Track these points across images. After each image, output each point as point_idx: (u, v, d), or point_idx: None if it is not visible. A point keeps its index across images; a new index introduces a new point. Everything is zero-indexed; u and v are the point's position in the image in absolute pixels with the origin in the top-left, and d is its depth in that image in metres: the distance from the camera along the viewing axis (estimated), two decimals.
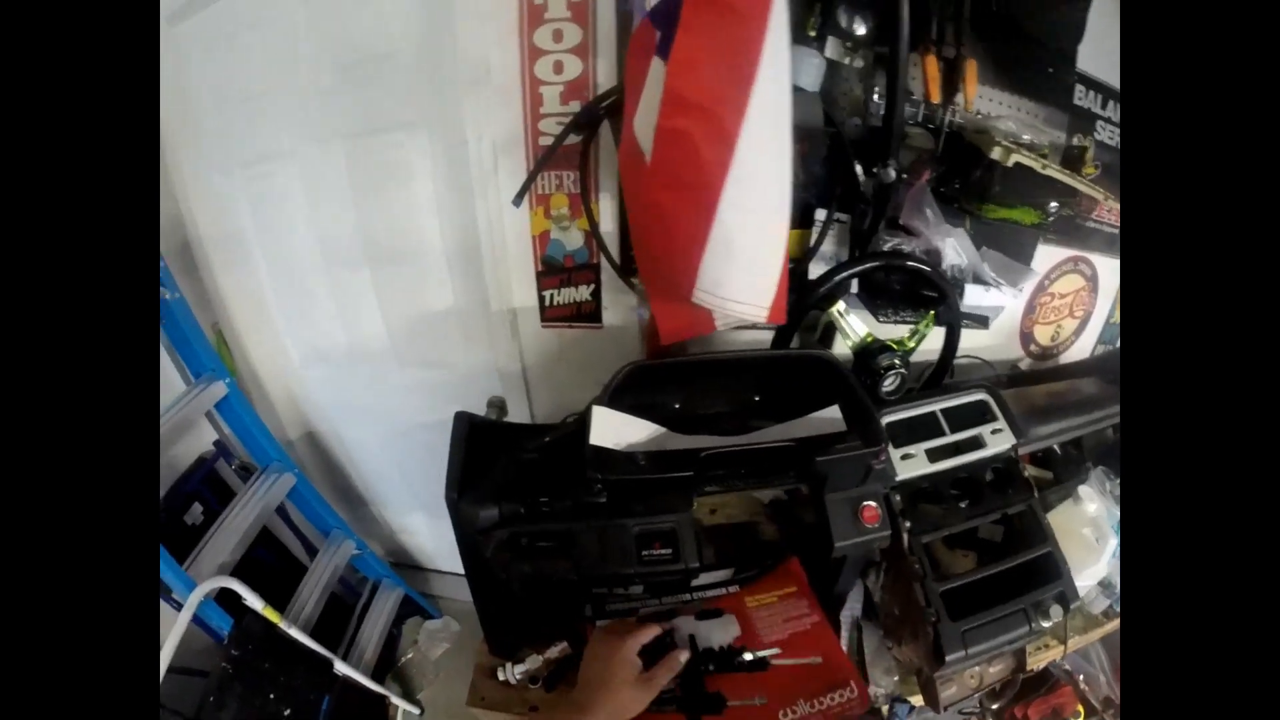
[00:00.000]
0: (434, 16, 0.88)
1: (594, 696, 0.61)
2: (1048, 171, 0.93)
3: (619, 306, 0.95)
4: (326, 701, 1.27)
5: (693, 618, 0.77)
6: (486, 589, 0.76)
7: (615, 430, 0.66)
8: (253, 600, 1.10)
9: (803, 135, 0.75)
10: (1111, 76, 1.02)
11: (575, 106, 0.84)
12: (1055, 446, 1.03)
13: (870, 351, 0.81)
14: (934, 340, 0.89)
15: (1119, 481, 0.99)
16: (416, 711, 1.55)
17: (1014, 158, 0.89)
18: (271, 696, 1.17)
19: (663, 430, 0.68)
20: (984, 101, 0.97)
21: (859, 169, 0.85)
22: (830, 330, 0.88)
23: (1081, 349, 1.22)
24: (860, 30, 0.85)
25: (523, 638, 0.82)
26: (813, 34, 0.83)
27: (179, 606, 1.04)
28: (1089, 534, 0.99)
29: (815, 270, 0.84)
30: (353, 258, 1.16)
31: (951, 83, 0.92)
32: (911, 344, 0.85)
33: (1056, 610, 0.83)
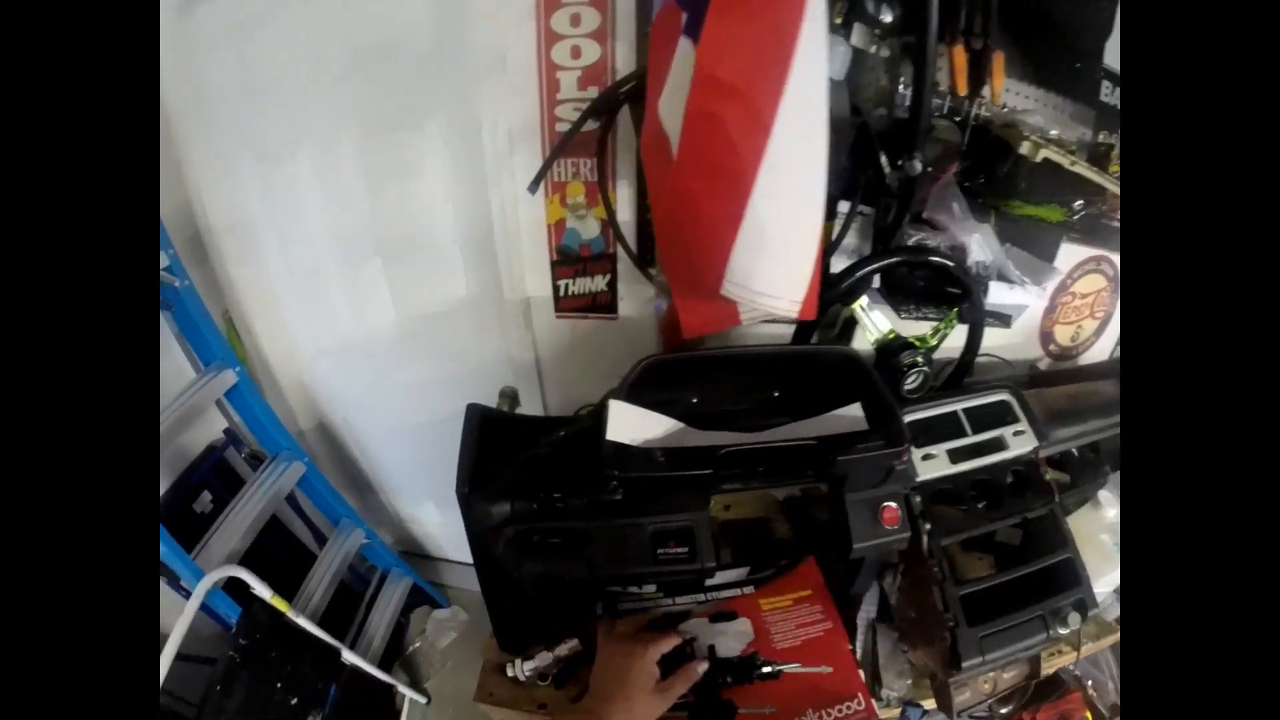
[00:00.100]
0: (449, 1, 0.85)
1: (608, 707, 0.59)
2: (1076, 168, 0.88)
3: (635, 298, 0.92)
4: (334, 690, 1.25)
5: (706, 620, 0.74)
6: (497, 585, 0.73)
7: (632, 426, 0.63)
8: (261, 589, 1.08)
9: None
10: None
11: (593, 92, 0.81)
12: (1073, 450, 0.99)
13: (892, 349, 0.77)
14: (954, 338, 0.86)
15: None
16: (423, 700, 1.54)
17: (1042, 153, 0.85)
18: (278, 685, 1.15)
19: (681, 426, 0.65)
20: (1010, 95, 0.92)
21: (884, 160, 0.80)
22: (849, 326, 0.84)
23: (1101, 350, 1.18)
24: (887, 18, 0.81)
25: (533, 634, 0.79)
26: (839, 20, 0.78)
27: (187, 594, 1.02)
28: (1107, 540, 0.96)
29: (837, 264, 0.80)
30: (364, 247, 1.13)
31: (978, 75, 0.88)
32: (934, 341, 0.81)
33: (1075, 618, 0.79)
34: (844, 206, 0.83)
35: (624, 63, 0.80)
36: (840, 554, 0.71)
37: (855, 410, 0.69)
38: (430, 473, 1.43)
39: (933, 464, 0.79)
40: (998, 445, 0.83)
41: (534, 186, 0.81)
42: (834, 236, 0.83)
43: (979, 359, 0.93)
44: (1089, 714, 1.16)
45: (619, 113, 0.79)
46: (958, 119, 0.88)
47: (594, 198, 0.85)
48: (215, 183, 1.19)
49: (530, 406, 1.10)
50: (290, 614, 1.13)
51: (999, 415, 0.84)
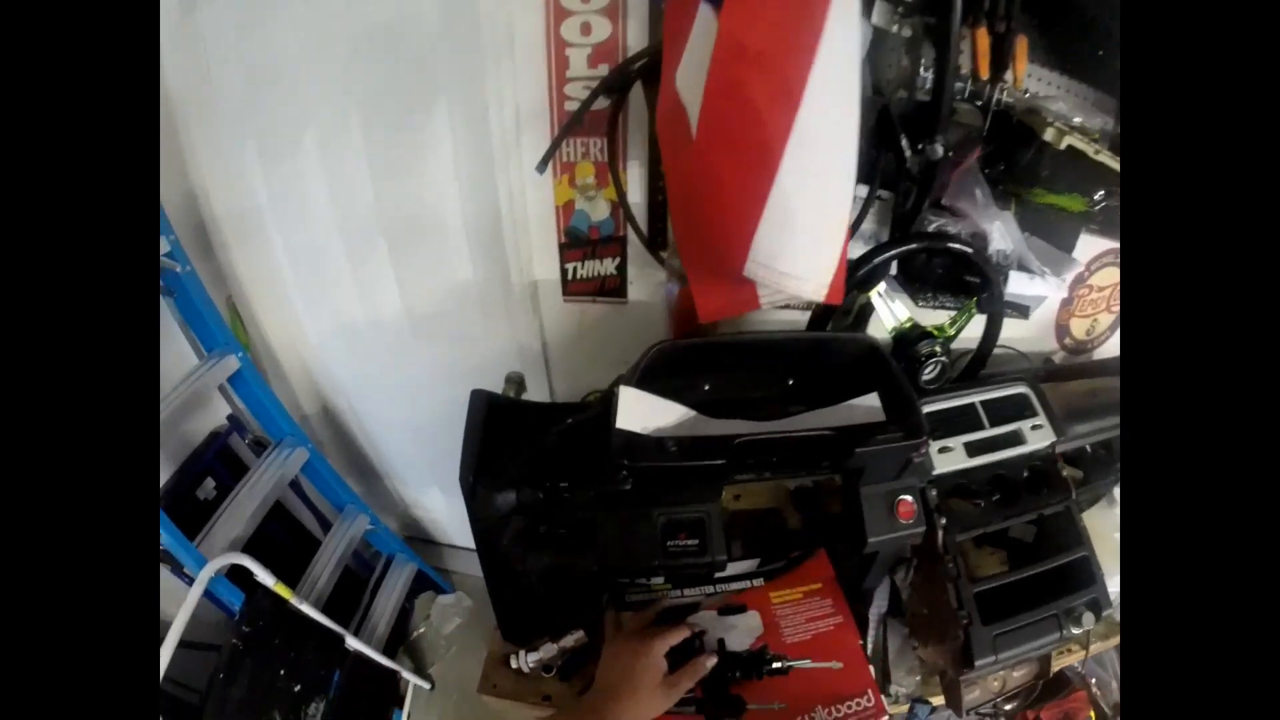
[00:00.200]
0: None
1: (615, 700, 0.56)
2: (1100, 157, 0.84)
3: (645, 281, 0.88)
4: (337, 676, 1.23)
5: (715, 613, 0.71)
6: (501, 576, 0.70)
7: (643, 413, 0.59)
8: (264, 576, 1.05)
9: None
10: None
11: (603, 70, 0.76)
12: (1087, 446, 0.96)
13: (910, 338, 0.73)
14: (970, 328, 0.82)
15: None
16: (427, 686, 1.52)
17: (1066, 140, 0.81)
18: (282, 672, 1.13)
19: (693, 414, 0.61)
20: (1032, 81, 0.87)
21: (905, 143, 0.76)
22: (864, 314, 0.80)
23: (1116, 346, 1.14)
24: None
25: (537, 626, 0.76)
26: None
27: (191, 581, 1.00)
28: (1120, 539, 0.92)
29: (854, 250, 0.75)
30: (370, 231, 1.09)
31: (1000, 59, 0.83)
32: (952, 331, 0.77)
33: (1089, 618, 0.77)
34: (862, 190, 0.79)
35: (636, 40, 0.76)
36: (854, 547, 0.68)
37: (873, 400, 0.65)
38: (435, 458, 1.40)
39: (949, 457, 0.75)
40: (1015, 439, 0.79)
41: (542, 166, 0.77)
42: (851, 222, 0.79)
43: (995, 351, 0.90)
44: (1093, 713, 1.13)
45: (631, 90, 0.75)
46: (979, 103, 0.84)
47: (604, 178, 0.81)
48: (220, 169, 1.15)
49: (537, 392, 1.06)
50: (293, 601, 1.11)
51: (1017, 408, 0.81)
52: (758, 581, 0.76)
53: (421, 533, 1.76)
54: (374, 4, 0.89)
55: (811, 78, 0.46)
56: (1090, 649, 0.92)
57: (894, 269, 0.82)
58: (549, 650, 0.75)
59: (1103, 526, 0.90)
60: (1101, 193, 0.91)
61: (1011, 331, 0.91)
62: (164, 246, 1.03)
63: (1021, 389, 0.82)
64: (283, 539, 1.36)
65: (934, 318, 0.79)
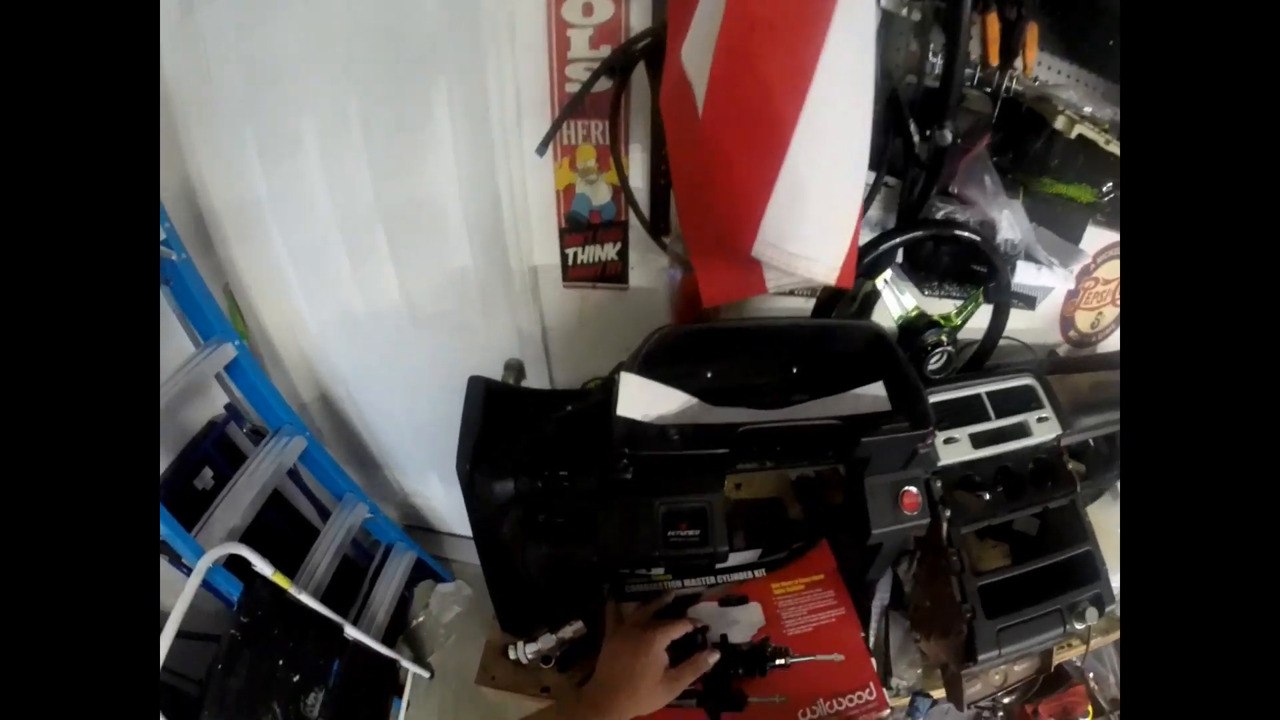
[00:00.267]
0: None
1: (615, 694, 0.55)
2: (1110, 147, 0.82)
3: (647, 267, 0.86)
4: (337, 665, 1.21)
5: (716, 604, 0.69)
6: (499, 567, 0.68)
7: (644, 401, 0.57)
8: (262, 566, 1.03)
9: None
10: None
11: (605, 52, 0.74)
12: (1089, 440, 0.94)
13: (916, 327, 0.71)
14: (976, 319, 0.80)
15: None
16: (427, 675, 1.50)
17: (1077, 129, 0.78)
18: (280, 662, 1.11)
19: (695, 402, 0.59)
20: (1042, 69, 0.85)
21: (913, 129, 0.74)
22: (869, 302, 0.78)
23: (1119, 339, 1.11)
24: None
25: (536, 617, 0.74)
26: None
27: (188, 572, 0.98)
28: (1120, 532, 0.91)
29: (861, 237, 0.73)
30: (369, 217, 1.07)
31: (1010, 46, 0.81)
32: (958, 321, 0.75)
33: (1092, 613, 0.75)
34: (868, 177, 0.76)
35: (639, 20, 0.73)
36: (857, 539, 0.66)
37: (878, 389, 0.63)
38: (435, 446, 1.37)
39: (955, 448, 0.74)
40: (1021, 431, 0.78)
41: (542, 148, 0.74)
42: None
43: (1000, 343, 0.87)
44: (1090, 708, 1.12)
45: (634, 71, 0.72)
46: (988, 90, 0.81)
47: (605, 162, 0.78)
48: (217, 158, 1.13)
49: (536, 379, 1.04)
50: (292, 590, 1.09)
51: (1023, 400, 0.79)
52: (759, 572, 0.74)
53: (421, 521, 1.75)
54: None
55: (825, 49, 0.44)
56: (1090, 643, 0.91)
57: (900, 257, 0.80)
58: (548, 641, 0.74)
59: (1106, 521, 0.88)
60: (1110, 184, 0.89)
61: (1016, 323, 0.89)
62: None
63: (1028, 380, 0.81)
64: (281, 528, 1.34)
65: (940, 307, 0.77)
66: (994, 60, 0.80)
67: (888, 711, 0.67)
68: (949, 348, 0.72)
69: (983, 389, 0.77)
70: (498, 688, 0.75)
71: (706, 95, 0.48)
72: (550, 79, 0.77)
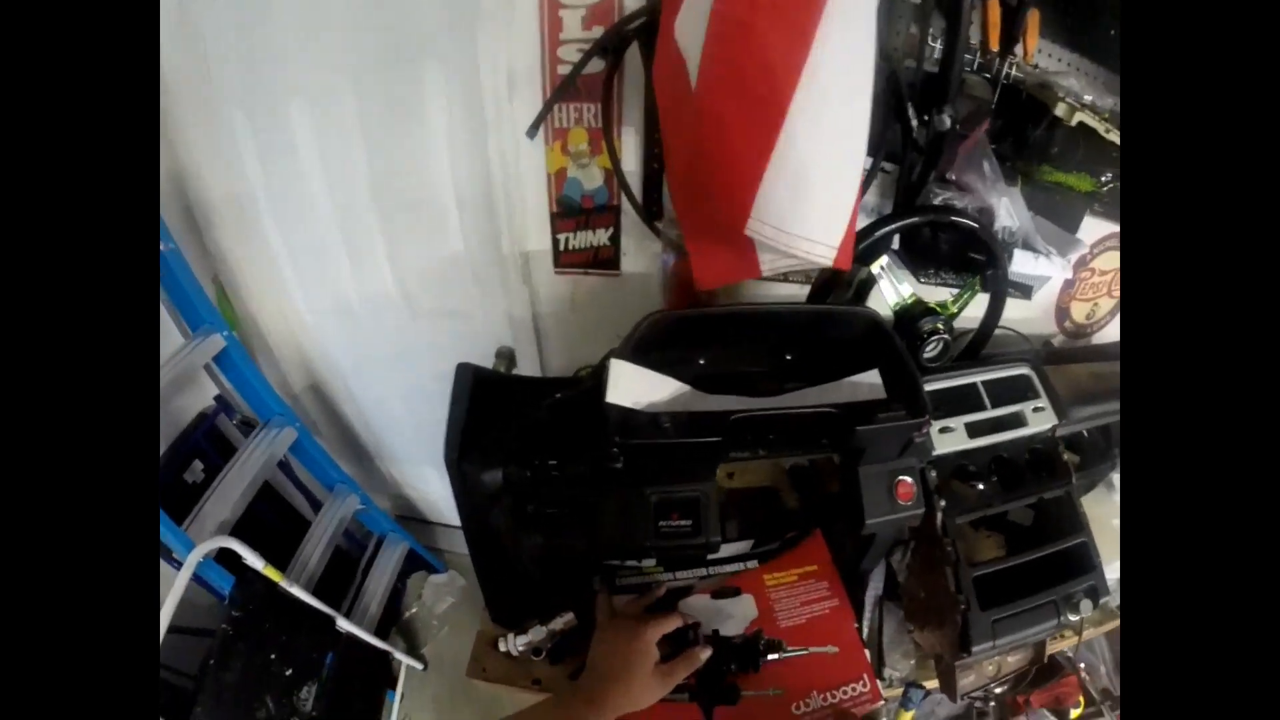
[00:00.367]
0: None
1: (607, 688, 0.54)
2: (1111, 135, 0.80)
3: (639, 253, 0.84)
4: (330, 658, 1.20)
5: (709, 596, 0.68)
6: (489, 557, 0.66)
7: (635, 388, 0.56)
8: (253, 560, 1.02)
9: None
10: None
11: (598, 33, 0.71)
12: (1084, 431, 0.93)
13: (913, 314, 0.70)
14: (971, 307, 0.78)
15: None
16: (420, 667, 1.49)
17: (1078, 117, 0.77)
18: (273, 656, 1.09)
19: (688, 389, 0.58)
20: (1042, 57, 0.83)
21: (912, 113, 0.72)
22: (865, 288, 0.76)
23: (1114, 332, 1.10)
24: None
25: (527, 608, 0.73)
26: None
27: (179, 566, 0.96)
28: (1118, 525, 0.90)
29: (858, 222, 0.71)
30: (360, 204, 1.04)
31: (1011, 31, 0.79)
32: (955, 309, 0.74)
33: (1086, 605, 0.74)
34: (865, 162, 0.74)
35: (634, 1, 0.70)
36: (852, 529, 0.65)
37: (873, 377, 0.62)
38: (426, 436, 1.35)
39: (951, 437, 0.72)
40: (1017, 421, 0.76)
41: (533, 131, 0.72)
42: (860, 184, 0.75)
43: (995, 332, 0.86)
44: (1082, 698, 1.12)
45: (627, 52, 0.70)
46: (987, 76, 0.80)
47: (598, 145, 0.76)
48: (207, 146, 1.10)
49: (528, 367, 1.02)
50: (284, 584, 1.07)
51: (1019, 390, 0.78)
52: (752, 564, 0.73)
53: (413, 512, 1.73)
54: None
55: (826, 16, 0.41)
56: (1083, 634, 0.90)
57: (897, 243, 0.78)
58: (538, 633, 0.72)
59: (1101, 512, 0.88)
60: (1109, 174, 0.88)
61: (1012, 312, 0.87)
62: None
63: (1024, 370, 0.79)
64: (272, 520, 1.33)
65: (936, 294, 0.76)
66: (994, 46, 0.79)
67: (881, 703, 0.66)
68: (945, 336, 0.70)
69: (979, 378, 0.76)
70: (488, 680, 0.74)
71: (701, 63, 0.46)
72: (542, 60, 0.75)
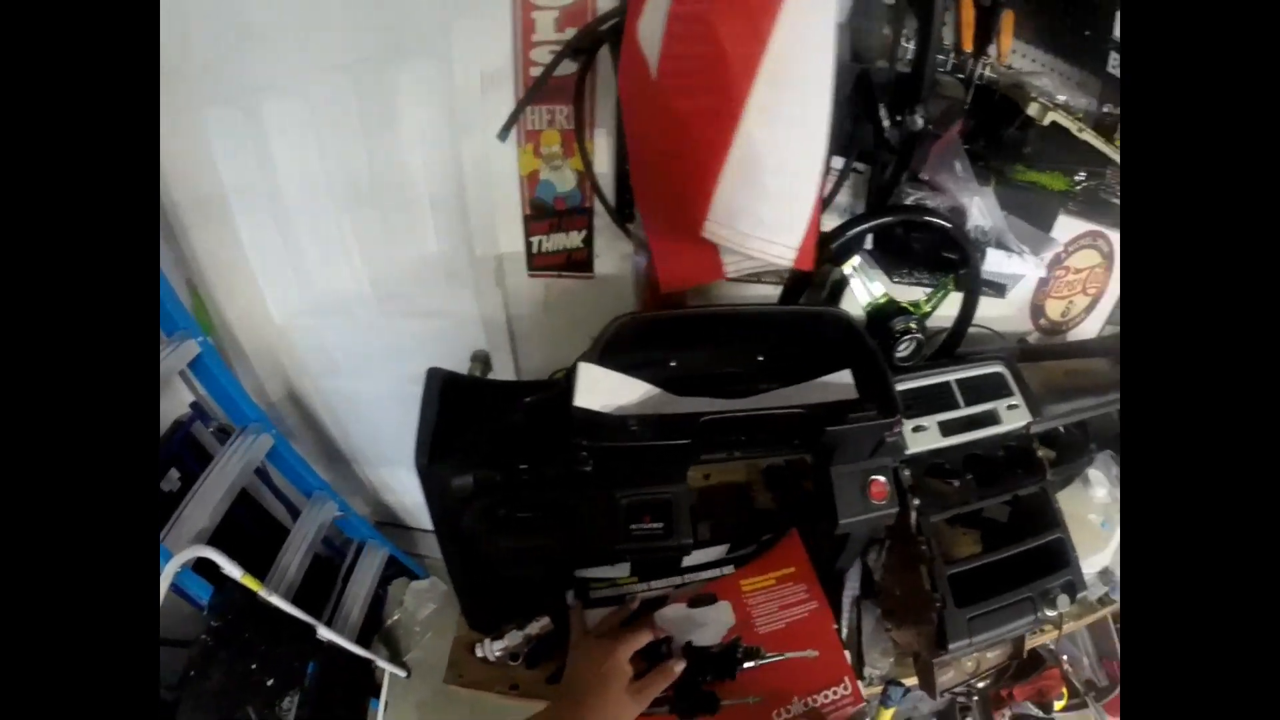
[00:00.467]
0: None
1: (582, 710, 0.54)
2: (1084, 135, 0.81)
3: (613, 255, 0.84)
4: (312, 667, 1.19)
5: (685, 605, 0.67)
6: (463, 562, 0.66)
7: (604, 391, 0.56)
8: (231, 569, 1.00)
9: None
10: None
11: (572, 34, 0.71)
12: (1060, 427, 0.94)
13: (885, 314, 0.70)
14: (944, 306, 0.79)
15: None
16: (403, 674, 1.48)
17: (1050, 116, 0.78)
18: (254, 666, 1.08)
19: (658, 391, 0.58)
20: (1016, 57, 0.84)
21: (884, 113, 0.72)
22: (838, 289, 0.77)
23: (1090, 328, 1.12)
24: None
25: (503, 613, 0.72)
26: None
27: None
28: (1095, 520, 0.91)
29: (829, 222, 0.72)
30: (332, 203, 1.03)
31: (985, 33, 0.80)
32: (928, 308, 0.74)
33: (1063, 600, 0.75)
34: (838, 162, 0.75)
35: (606, 2, 0.70)
36: (825, 529, 0.65)
37: (845, 377, 0.62)
38: (404, 441, 1.33)
39: (923, 436, 0.73)
40: (991, 419, 0.77)
41: (504, 134, 0.72)
42: (825, 193, 0.75)
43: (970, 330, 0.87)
44: (1065, 689, 1.13)
45: (599, 54, 0.70)
46: (960, 77, 0.81)
47: (570, 147, 0.76)
48: (177, 149, 1.08)
49: (504, 371, 1.02)
50: (263, 593, 1.06)
51: (993, 387, 0.79)
52: (728, 569, 0.73)
53: (393, 518, 1.72)
54: None
55: (783, 11, 0.41)
56: (1063, 628, 0.91)
57: (869, 243, 0.79)
58: (515, 638, 0.72)
59: (1077, 508, 0.89)
60: (1083, 173, 0.89)
61: (987, 311, 0.88)
62: None
63: (997, 368, 0.80)
64: (250, 528, 1.31)
65: (910, 294, 0.76)
66: (968, 46, 0.80)
67: (863, 705, 0.66)
68: (918, 335, 0.71)
69: (952, 377, 0.76)
70: (466, 686, 0.73)
71: (659, 61, 0.46)
72: (515, 62, 0.75)
